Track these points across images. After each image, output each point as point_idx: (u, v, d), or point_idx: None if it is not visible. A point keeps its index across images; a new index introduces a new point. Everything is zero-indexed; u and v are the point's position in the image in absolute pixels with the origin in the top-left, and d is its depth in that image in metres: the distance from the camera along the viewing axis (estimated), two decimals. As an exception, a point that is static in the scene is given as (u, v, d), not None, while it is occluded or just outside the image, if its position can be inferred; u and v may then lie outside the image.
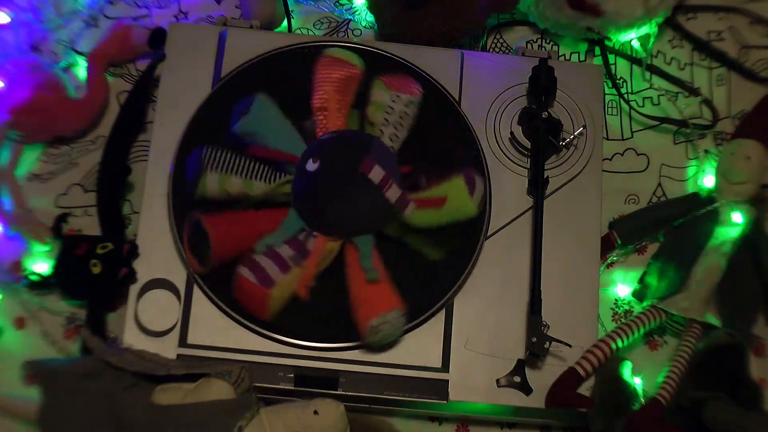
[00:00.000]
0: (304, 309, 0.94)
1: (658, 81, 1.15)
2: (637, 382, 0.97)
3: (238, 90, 1.00)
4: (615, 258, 1.07)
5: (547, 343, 0.94)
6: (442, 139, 1.01)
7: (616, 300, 1.06)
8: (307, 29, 1.16)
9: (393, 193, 0.93)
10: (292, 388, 0.94)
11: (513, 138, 1.04)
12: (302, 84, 0.99)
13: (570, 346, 0.95)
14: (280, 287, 0.92)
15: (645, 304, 1.02)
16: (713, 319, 1.00)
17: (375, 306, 0.91)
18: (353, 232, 0.94)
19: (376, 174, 0.93)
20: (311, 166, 0.94)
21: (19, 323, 1.01)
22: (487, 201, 0.98)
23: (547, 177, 1.00)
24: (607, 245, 1.05)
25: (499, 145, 1.04)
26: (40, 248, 1.02)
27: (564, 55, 1.16)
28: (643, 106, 1.15)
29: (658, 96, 1.15)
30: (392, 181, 0.93)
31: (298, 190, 0.95)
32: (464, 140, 1.02)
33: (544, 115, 1.02)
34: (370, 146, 0.95)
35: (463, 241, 0.97)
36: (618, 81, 1.15)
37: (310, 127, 0.99)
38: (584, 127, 1.04)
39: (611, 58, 1.16)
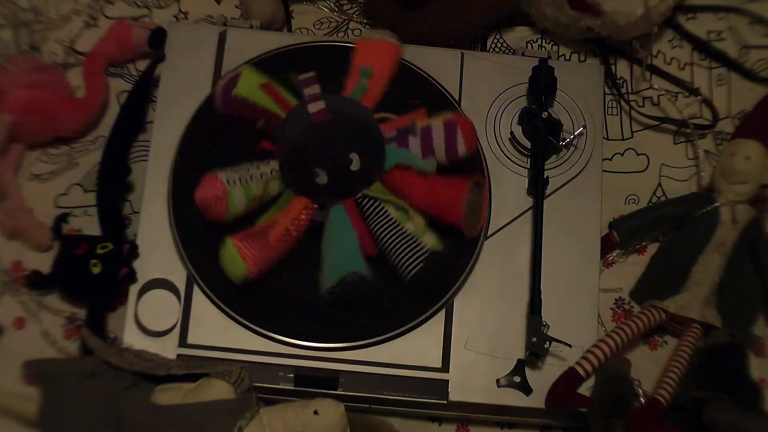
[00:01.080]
0: (304, 309, 0.94)
1: (658, 81, 1.15)
2: (637, 382, 0.97)
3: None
4: (615, 258, 1.07)
5: (547, 343, 0.94)
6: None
7: (616, 300, 1.06)
8: (307, 29, 1.16)
9: (313, 107, 0.91)
10: (292, 388, 0.94)
11: (513, 138, 1.04)
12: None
13: (570, 346, 0.95)
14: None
15: (645, 304, 1.02)
16: (713, 319, 1.00)
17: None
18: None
19: (314, 106, 0.91)
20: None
21: (19, 323, 1.01)
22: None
23: (547, 177, 1.01)
24: (607, 245, 1.05)
25: (499, 145, 1.04)
26: (40, 249, 1.03)
27: (564, 55, 1.16)
28: (643, 106, 1.15)
29: (658, 96, 1.15)
30: (318, 99, 0.91)
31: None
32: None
33: (544, 115, 1.02)
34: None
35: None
36: (618, 81, 1.15)
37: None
38: (584, 127, 1.04)
39: (611, 58, 1.16)
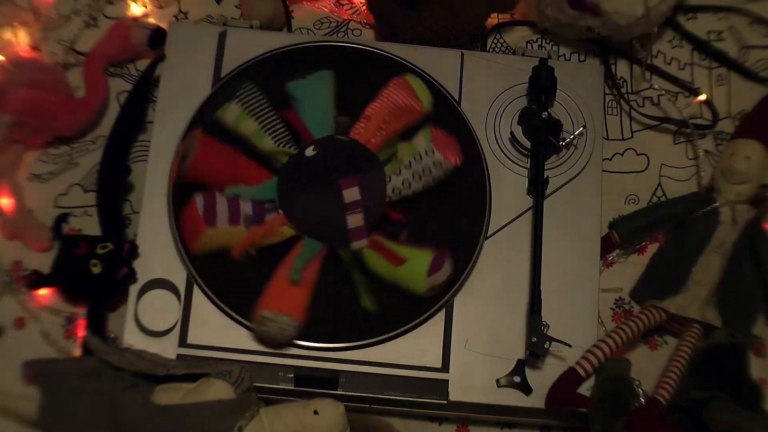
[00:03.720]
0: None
1: (658, 81, 1.15)
2: (637, 382, 0.97)
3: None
4: (615, 258, 1.07)
5: (547, 343, 0.94)
6: (456, 209, 1.00)
7: (616, 300, 1.06)
8: (307, 29, 1.16)
9: (353, 221, 0.93)
10: (292, 388, 0.94)
11: (513, 138, 1.04)
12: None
13: (570, 346, 0.95)
14: (218, 233, 0.93)
15: (645, 304, 1.02)
16: (713, 319, 1.00)
17: (279, 302, 0.92)
18: (307, 231, 0.95)
19: (351, 195, 0.92)
20: (309, 152, 0.95)
21: (19, 323, 1.01)
22: (444, 281, 0.95)
23: (547, 177, 1.00)
24: (607, 245, 1.05)
25: (499, 145, 1.04)
26: (40, 248, 1.02)
27: (564, 55, 1.16)
28: (643, 106, 1.15)
29: (658, 96, 1.15)
30: (360, 210, 0.92)
31: (288, 165, 0.96)
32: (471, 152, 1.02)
33: (544, 115, 1.02)
34: (369, 170, 0.95)
35: (401, 303, 0.95)
36: (618, 81, 1.15)
37: (344, 125, 0.99)
38: (584, 127, 1.04)
39: (611, 58, 1.16)
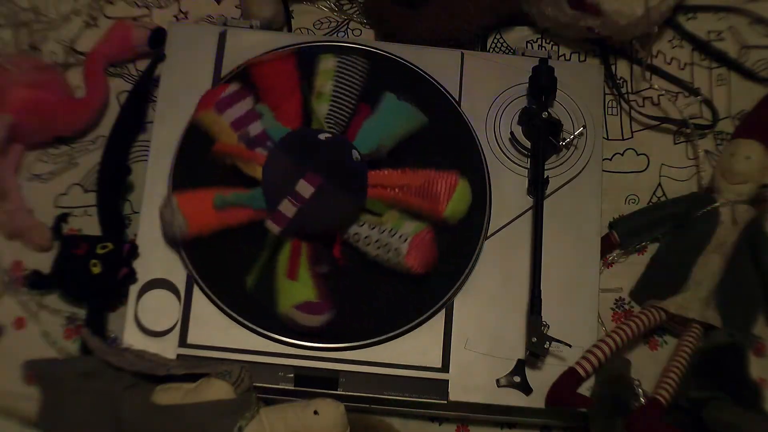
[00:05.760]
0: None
1: (658, 81, 1.15)
2: (637, 382, 0.97)
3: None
4: (615, 258, 1.07)
5: (547, 343, 0.94)
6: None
7: (616, 300, 1.06)
8: (307, 29, 1.16)
9: (285, 208, 0.91)
10: (292, 388, 0.94)
11: (513, 138, 1.04)
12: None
13: (570, 346, 0.95)
14: (216, 120, 0.97)
15: (645, 304, 1.02)
16: (713, 319, 1.00)
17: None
18: (264, 183, 0.94)
19: (303, 188, 0.90)
20: (322, 136, 0.94)
21: (19, 323, 1.01)
22: (305, 324, 0.93)
23: (547, 177, 1.01)
24: (607, 245, 1.05)
25: (499, 145, 1.04)
26: (39, 249, 1.03)
27: (564, 55, 1.16)
28: (643, 106, 1.15)
29: (658, 96, 1.15)
30: (298, 205, 0.90)
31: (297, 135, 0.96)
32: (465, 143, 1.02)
33: (544, 115, 1.02)
34: (343, 190, 0.93)
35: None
36: (618, 81, 1.15)
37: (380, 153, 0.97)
38: (584, 127, 1.04)
39: (611, 58, 1.16)
